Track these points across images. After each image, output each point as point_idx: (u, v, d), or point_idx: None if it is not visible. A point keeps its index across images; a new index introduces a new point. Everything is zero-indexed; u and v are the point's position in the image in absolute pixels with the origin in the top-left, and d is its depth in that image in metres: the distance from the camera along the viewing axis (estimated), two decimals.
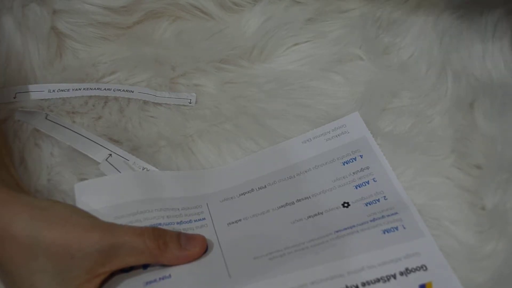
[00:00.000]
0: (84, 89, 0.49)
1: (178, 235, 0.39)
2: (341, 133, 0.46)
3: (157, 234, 0.37)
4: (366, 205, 0.41)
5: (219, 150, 0.47)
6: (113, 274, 0.37)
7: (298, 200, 0.43)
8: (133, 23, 0.55)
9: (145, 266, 0.38)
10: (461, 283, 0.36)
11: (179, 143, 0.47)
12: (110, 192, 0.42)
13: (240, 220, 0.42)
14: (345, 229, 0.40)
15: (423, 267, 0.37)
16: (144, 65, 0.52)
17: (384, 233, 0.39)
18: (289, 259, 0.38)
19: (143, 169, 0.45)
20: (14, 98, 0.48)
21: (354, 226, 0.40)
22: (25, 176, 0.43)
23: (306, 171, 0.45)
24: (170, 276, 0.38)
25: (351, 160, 0.44)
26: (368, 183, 0.43)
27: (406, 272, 0.37)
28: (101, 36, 0.54)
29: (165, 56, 0.53)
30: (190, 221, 0.42)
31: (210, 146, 0.47)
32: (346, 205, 0.42)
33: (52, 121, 0.46)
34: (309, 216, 0.41)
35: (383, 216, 0.40)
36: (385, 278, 0.37)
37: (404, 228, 0.39)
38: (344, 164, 0.44)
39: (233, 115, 0.49)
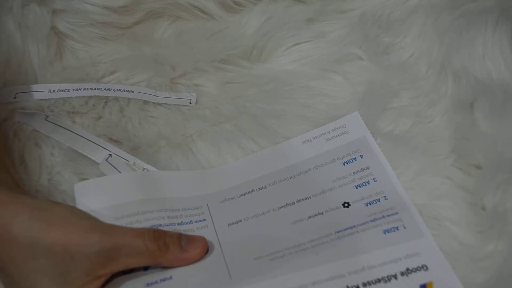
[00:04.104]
0: (84, 89, 0.49)
1: (179, 237, 0.39)
2: (341, 133, 0.46)
3: (157, 235, 0.37)
4: (367, 205, 0.41)
5: (219, 150, 0.47)
6: (113, 276, 0.37)
7: (299, 200, 0.43)
8: (133, 23, 0.55)
9: (145, 268, 0.38)
10: (461, 283, 0.36)
11: (179, 143, 0.47)
12: (110, 193, 0.42)
13: (240, 220, 0.42)
14: (346, 229, 0.40)
15: (423, 267, 0.37)
16: (144, 65, 0.52)
17: (385, 233, 0.39)
18: (289, 260, 0.38)
19: (143, 170, 0.44)
20: (14, 98, 0.48)
21: (354, 226, 0.40)
22: (25, 176, 0.43)
23: (306, 171, 0.45)
24: (171, 277, 0.38)
25: (351, 160, 0.44)
26: (368, 183, 0.43)
27: (407, 272, 0.37)
28: (101, 36, 0.54)
29: (165, 56, 0.53)
30: (190, 222, 0.42)
31: (210, 146, 0.47)
32: (346, 205, 0.42)
33: (52, 122, 0.46)
34: (310, 216, 0.41)
35: (383, 216, 0.40)
36: (386, 278, 0.37)
37: (405, 228, 0.39)
38: (344, 164, 0.44)
39: (233, 115, 0.49)
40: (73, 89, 0.49)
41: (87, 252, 0.35)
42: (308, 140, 0.46)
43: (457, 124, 0.46)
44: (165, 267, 0.38)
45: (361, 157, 0.44)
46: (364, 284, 0.36)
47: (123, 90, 0.50)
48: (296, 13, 0.55)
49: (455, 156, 0.44)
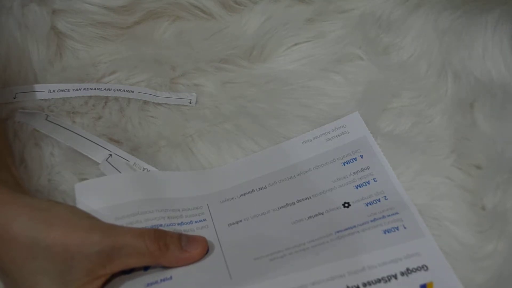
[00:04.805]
0: (84, 89, 0.49)
1: (179, 237, 0.39)
2: (341, 133, 0.46)
3: (157, 235, 0.37)
4: (367, 205, 0.41)
5: (219, 150, 0.47)
6: (113, 276, 0.37)
7: (299, 201, 0.43)
8: (133, 23, 0.55)
9: (146, 268, 0.38)
10: (461, 283, 0.36)
11: (179, 143, 0.47)
12: (110, 192, 0.42)
13: (240, 221, 0.42)
14: (346, 229, 0.40)
15: (423, 267, 0.37)
16: (144, 65, 0.52)
17: (385, 233, 0.39)
18: (289, 260, 0.38)
19: (143, 170, 0.45)
20: (14, 98, 0.48)
21: (354, 226, 0.40)
22: (25, 176, 0.43)
23: (306, 171, 0.45)
24: (171, 277, 0.38)
25: (351, 160, 0.44)
26: (369, 183, 0.43)
27: (407, 272, 0.37)
28: (101, 36, 0.54)
29: (165, 56, 0.53)
30: (190, 222, 0.42)
31: (210, 146, 0.47)
32: (346, 205, 0.42)
33: (52, 122, 0.46)
34: (310, 217, 0.41)
35: (383, 216, 0.40)
36: (386, 279, 0.37)
37: (405, 228, 0.39)
38: (344, 164, 0.44)
39: (233, 115, 0.49)
40: (73, 89, 0.49)
41: (87, 252, 0.35)
42: (308, 140, 0.46)
43: (457, 124, 0.46)
44: (165, 267, 0.38)
45: (361, 157, 0.44)
46: (364, 284, 0.36)
47: (123, 90, 0.50)
48: (296, 13, 0.55)
49: (455, 156, 0.44)
